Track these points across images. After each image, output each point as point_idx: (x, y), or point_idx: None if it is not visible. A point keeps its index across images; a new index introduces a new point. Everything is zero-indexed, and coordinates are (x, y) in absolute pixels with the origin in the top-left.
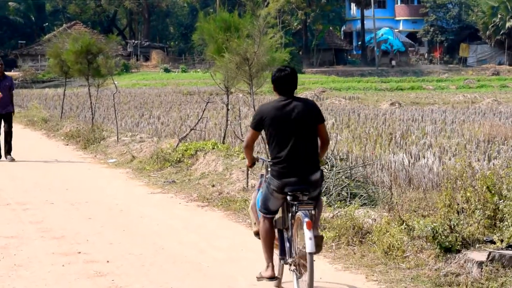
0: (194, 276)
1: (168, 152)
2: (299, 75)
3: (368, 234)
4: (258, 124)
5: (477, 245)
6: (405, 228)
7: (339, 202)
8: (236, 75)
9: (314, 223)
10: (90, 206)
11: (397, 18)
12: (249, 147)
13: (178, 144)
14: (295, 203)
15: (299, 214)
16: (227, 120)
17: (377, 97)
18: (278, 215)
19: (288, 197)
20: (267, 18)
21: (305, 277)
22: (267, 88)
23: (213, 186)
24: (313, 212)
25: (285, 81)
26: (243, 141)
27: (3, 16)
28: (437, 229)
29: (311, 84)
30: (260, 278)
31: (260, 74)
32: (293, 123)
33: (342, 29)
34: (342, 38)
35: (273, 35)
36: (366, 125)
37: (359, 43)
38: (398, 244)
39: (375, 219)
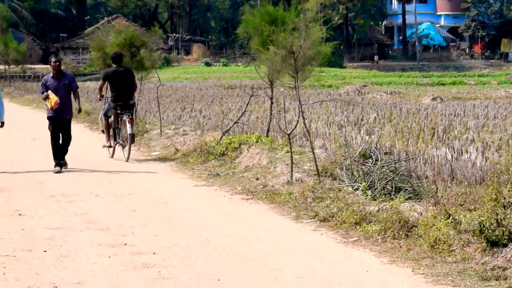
0: (241, 268)
1: (212, 145)
2: (340, 70)
3: (414, 227)
4: (104, 78)
5: None
6: (451, 222)
7: (383, 196)
8: (281, 68)
9: (131, 123)
10: (135, 198)
11: (438, 13)
12: (101, 89)
13: (221, 137)
14: (121, 113)
15: (124, 117)
16: (271, 113)
17: (419, 92)
18: (111, 119)
19: (118, 111)
20: (312, 11)
21: (126, 148)
22: (308, 82)
23: (257, 179)
24: (130, 117)
25: (117, 59)
26: (288, 134)
27: (44, 9)
28: (484, 223)
29: (352, 79)
30: (104, 146)
31: (305, 68)
32: (120, 78)
33: (383, 24)
34: (383, 32)
35: (320, 29)
36: (408, 120)
37: (400, 38)
38: (445, 238)
39: (421, 213)
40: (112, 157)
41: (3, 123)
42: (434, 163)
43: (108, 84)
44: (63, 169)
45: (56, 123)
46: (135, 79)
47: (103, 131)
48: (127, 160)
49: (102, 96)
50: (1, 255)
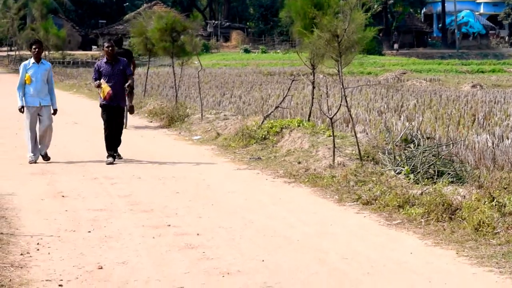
0: (285, 249)
1: (253, 129)
2: (379, 57)
3: (457, 210)
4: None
5: None
6: (495, 205)
7: (426, 179)
8: (325, 51)
9: (130, 99)
10: (177, 181)
11: (478, 1)
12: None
13: (263, 122)
14: None
15: None
16: (312, 98)
17: (458, 79)
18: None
19: None
20: None
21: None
22: (347, 69)
23: (299, 163)
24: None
25: (118, 42)
26: (330, 118)
27: None
28: None
29: (391, 66)
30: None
31: (349, 52)
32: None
33: (423, 12)
34: (423, 20)
35: (366, 12)
36: (448, 107)
37: (440, 25)
38: (489, 221)
39: (464, 196)
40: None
41: (56, 110)
42: (475, 149)
43: None
44: (116, 160)
45: (110, 111)
46: (133, 59)
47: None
48: (125, 127)
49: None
50: (46, 235)
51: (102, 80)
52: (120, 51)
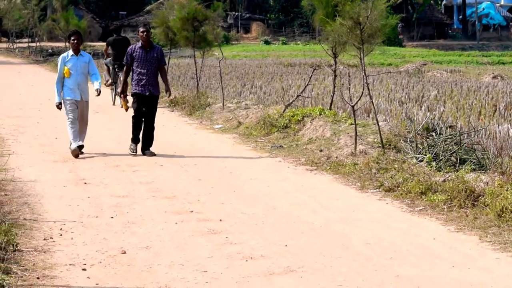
0: (308, 235)
1: (275, 117)
2: (399, 48)
3: (480, 197)
4: (107, 44)
5: None
6: None
7: (448, 167)
8: (347, 39)
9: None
10: (199, 168)
11: None
12: (105, 51)
13: (284, 110)
14: (118, 71)
15: (120, 75)
16: (334, 86)
17: (479, 71)
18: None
19: (116, 69)
20: None
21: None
22: (367, 60)
23: (321, 151)
24: None
25: (117, 30)
26: (352, 106)
27: None
28: None
29: (411, 57)
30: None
31: (372, 40)
32: (118, 44)
33: (443, 3)
34: (443, 12)
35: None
36: (469, 97)
37: (460, 17)
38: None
39: (487, 183)
40: (113, 104)
41: (98, 90)
42: (496, 139)
43: (110, 48)
44: (151, 157)
45: (142, 100)
46: (130, 45)
47: (107, 83)
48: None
49: (108, 55)
50: (69, 221)
51: (128, 98)
52: (118, 37)
